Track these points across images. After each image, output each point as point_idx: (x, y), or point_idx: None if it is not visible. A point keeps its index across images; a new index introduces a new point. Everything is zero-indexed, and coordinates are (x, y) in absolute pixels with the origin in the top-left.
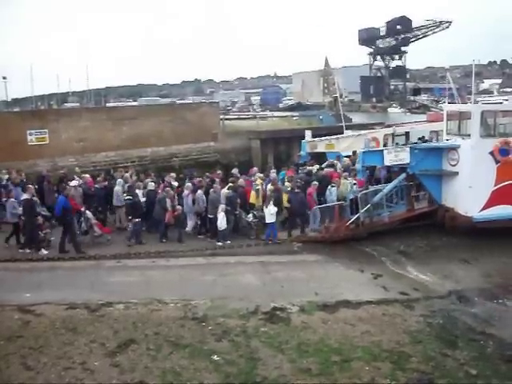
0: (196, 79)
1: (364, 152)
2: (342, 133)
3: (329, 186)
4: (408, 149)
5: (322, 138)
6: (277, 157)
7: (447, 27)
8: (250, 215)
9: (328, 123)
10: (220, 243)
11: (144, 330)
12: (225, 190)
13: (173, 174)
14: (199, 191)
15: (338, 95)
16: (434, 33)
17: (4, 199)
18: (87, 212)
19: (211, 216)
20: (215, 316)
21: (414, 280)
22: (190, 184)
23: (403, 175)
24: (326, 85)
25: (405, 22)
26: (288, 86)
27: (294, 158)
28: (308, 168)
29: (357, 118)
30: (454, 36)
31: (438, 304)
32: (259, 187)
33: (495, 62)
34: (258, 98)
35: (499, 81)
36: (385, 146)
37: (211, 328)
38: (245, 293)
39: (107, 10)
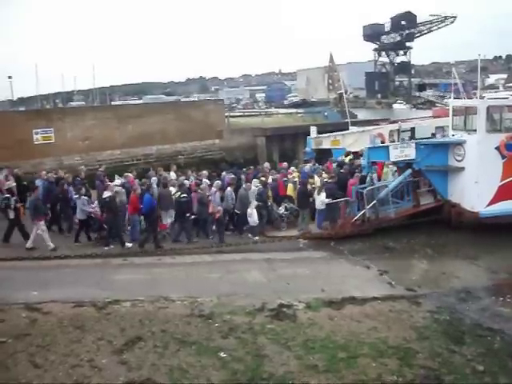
0: (201, 77)
1: (369, 148)
2: (348, 129)
3: (369, 173)
4: (414, 144)
5: (328, 135)
6: (282, 153)
7: (452, 22)
8: (282, 208)
9: (333, 119)
10: (254, 238)
11: (151, 328)
12: (252, 187)
13: (205, 172)
14: (229, 188)
15: (342, 91)
16: (438, 28)
17: (74, 196)
18: None
19: (238, 212)
20: (222, 313)
21: None
22: (219, 182)
23: (409, 171)
24: (330, 81)
25: (409, 17)
26: (293, 83)
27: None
28: (340, 158)
29: (362, 115)
30: (459, 31)
31: (445, 300)
32: (296, 179)
33: (501, 56)
34: (263, 95)
35: (505, 76)
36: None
37: (218, 325)
38: (251, 290)
39: (112, 8)
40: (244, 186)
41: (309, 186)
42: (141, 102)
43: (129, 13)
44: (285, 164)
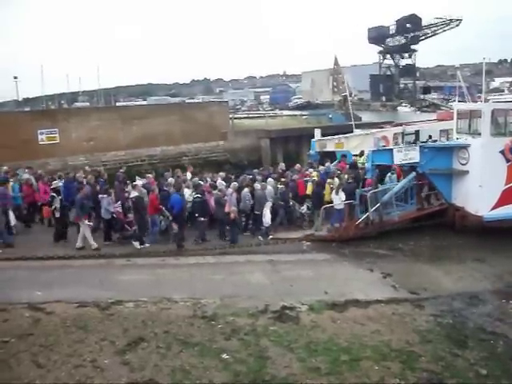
0: (205, 78)
1: (373, 151)
2: (352, 132)
3: (388, 173)
4: (418, 147)
5: (332, 137)
6: (286, 156)
7: (457, 25)
8: (304, 207)
9: (337, 122)
10: (262, 238)
11: (154, 329)
12: (268, 187)
13: (222, 174)
14: (246, 189)
15: (347, 94)
16: (443, 31)
17: (100, 196)
18: (165, 211)
19: (257, 212)
20: (224, 315)
21: None
22: (235, 183)
23: (413, 174)
24: (335, 83)
25: (414, 20)
26: (297, 85)
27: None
28: (354, 158)
29: (366, 117)
30: (464, 34)
31: (448, 304)
32: (315, 179)
33: (506, 60)
34: (268, 96)
35: (510, 79)
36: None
37: (220, 327)
38: (254, 292)
39: (117, 10)
40: (260, 185)
41: (327, 186)
42: (145, 103)
43: (134, 14)
44: (298, 166)
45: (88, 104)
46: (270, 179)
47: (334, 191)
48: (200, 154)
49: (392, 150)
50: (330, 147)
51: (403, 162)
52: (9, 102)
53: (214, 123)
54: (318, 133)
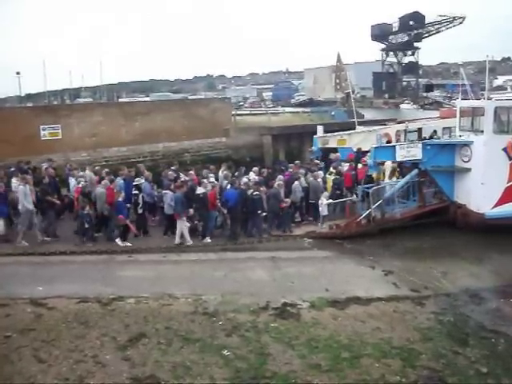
0: (208, 75)
1: (376, 147)
2: (354, 128)
3: None
4: (420, 145)
5: (334, 134)
6: (288, 152)
7: (461, 23)
8: (354, 196)
9: (340, 119)
10: (320, 226)
11: (155, 325)
12: (302, 180)
13: (255, 169)
14: (296, 182)
15: (350, 91)
16: (447, 28)
17: (164, 192)
18: (221, 207)
19: (312, 201)
20: (226, 311)
21: None
22: (281, 176)
23: (415, 171)
24: (338, 81)
25: (418, 17)
26: (300, 82)
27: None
28: None
29: (369, 114)
30: (467, 32)
31: (449, 301)
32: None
33: (509, 58)
34: (270, 93)
35: None
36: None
37: (222, 323)
38: (255, 288)
39: (119, 5)
40: (314, 176)
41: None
42: (148, 99)
43: (136, 10)
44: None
45: (91, 100)
46: (320, 172)
47: (387, 177)
48: (202, 150)
49: (395, 146)
50: (332, 144)
51: (405, 159)
52: (11, 98)
53: (216, 120)
54: (320, 130)
